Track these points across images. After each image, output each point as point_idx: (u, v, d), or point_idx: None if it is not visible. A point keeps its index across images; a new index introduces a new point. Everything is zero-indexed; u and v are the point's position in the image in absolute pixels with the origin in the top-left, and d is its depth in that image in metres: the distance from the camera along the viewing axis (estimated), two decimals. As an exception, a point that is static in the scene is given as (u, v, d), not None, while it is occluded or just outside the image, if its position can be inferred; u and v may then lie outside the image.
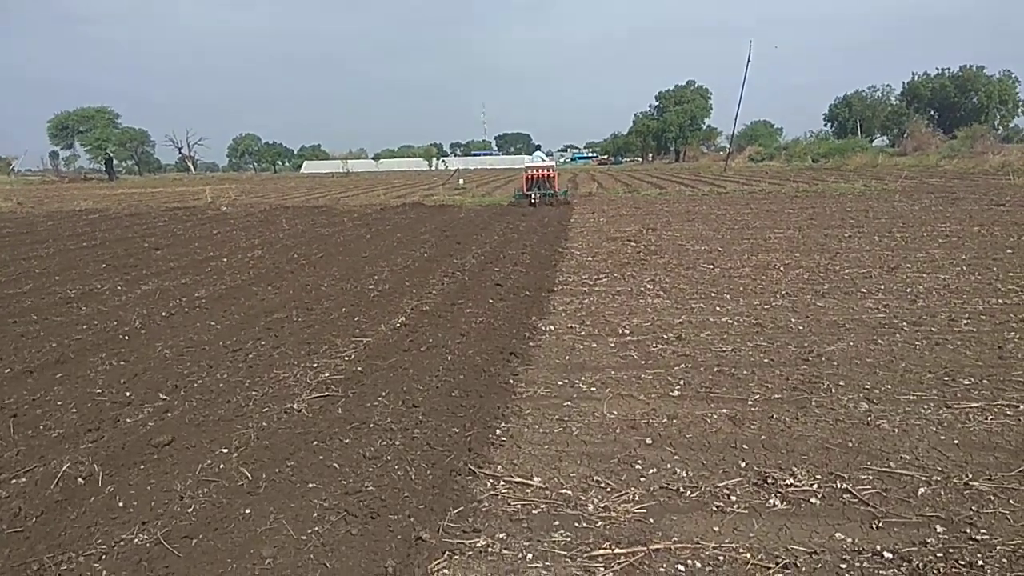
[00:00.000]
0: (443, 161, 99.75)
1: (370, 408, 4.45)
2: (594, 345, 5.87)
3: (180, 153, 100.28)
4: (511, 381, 4.95)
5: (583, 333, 6.26)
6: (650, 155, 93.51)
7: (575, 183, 33.31)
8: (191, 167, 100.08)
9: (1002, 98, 74.01)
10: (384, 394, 4.69)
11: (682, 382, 4.86)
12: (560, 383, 4.92)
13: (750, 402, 4.46)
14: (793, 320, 6.46)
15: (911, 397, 4.44)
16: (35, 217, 21.02)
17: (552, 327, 6.48)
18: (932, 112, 76.31)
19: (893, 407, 4.28)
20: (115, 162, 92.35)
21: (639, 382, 4.90)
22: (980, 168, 32.30)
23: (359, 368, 5.27)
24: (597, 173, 50.99)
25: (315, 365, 5.41)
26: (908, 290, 7.62)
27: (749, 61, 44.01)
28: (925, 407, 4.26)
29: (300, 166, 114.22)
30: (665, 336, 6.03)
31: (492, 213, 18.89)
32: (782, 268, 9.11)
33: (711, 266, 9.40)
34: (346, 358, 5.57)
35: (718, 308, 7.03)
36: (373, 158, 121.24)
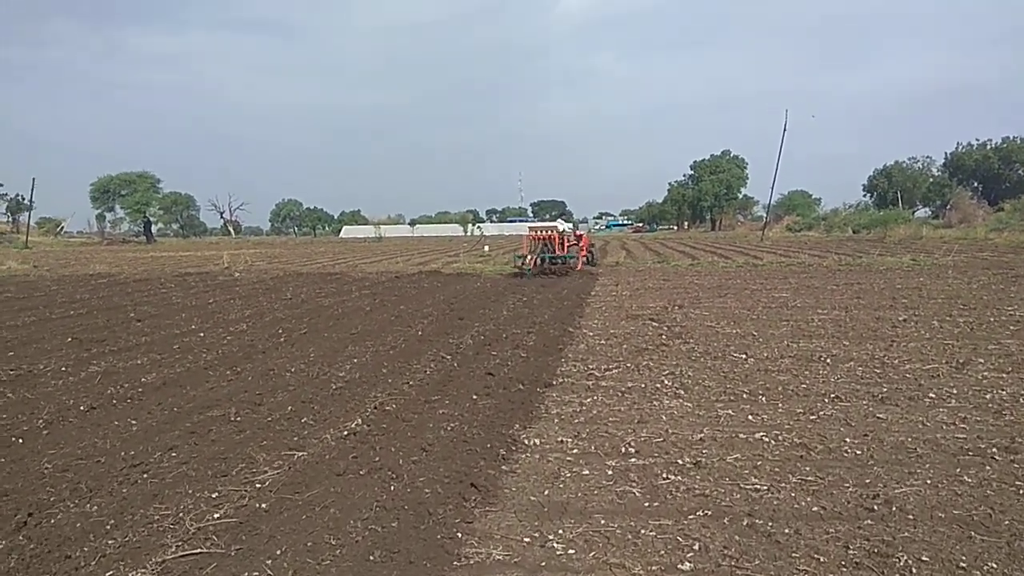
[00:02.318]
0: (478, 227, 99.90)
1: (247, 581, 3.14)
2: (585, 472, 4.50)
3: (222, 217, 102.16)
4: (459, 535, 3.60)
5: (575, 451, 4.90)
6: (685, 223, 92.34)
7: (605, 251, 32.15)
8: (231, 231, 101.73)
9: (1049, 169, 71.57)
10: (278, 553, 3.38)
11: (697, 545, 3.46)
12: (527, 540, 3.56)
13: (794, 589, 3.06)
14: (848, 439, 5.02)
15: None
16: (41, 281, 20.44)
17: (538, 440, 5.13)
18: (976, 184, 74.12)
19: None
20: (160, 226, 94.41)
21: (637, 543, 3.51)
22: (1034, 242, 30.39)
23: (264, 505, 3.97)
24: (629, 241, 49.83)
25: (214, 496, 4.14)
26: (988, 396, 6.13)
27: (785, 130, 43.02)
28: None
29: (340, 231, 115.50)
30: (680, 461, 4.64)
31: (509, 283, 17.72)
32: (829, 360, 7.67)
33: (743, 356, 7.99)
34: (258, 485, 4.28)
35: (751, 418, 5.62)
36: (409, 223, 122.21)
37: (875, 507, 3.85)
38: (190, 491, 4.22)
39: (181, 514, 3.88)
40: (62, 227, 79.18)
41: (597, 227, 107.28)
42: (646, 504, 3.98)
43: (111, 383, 7.18)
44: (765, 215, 57.88)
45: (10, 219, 79.02)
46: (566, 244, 20.13)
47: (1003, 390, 6.30)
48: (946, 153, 77.72)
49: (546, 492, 4.17)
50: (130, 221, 77.98)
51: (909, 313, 10.91)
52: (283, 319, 11.68)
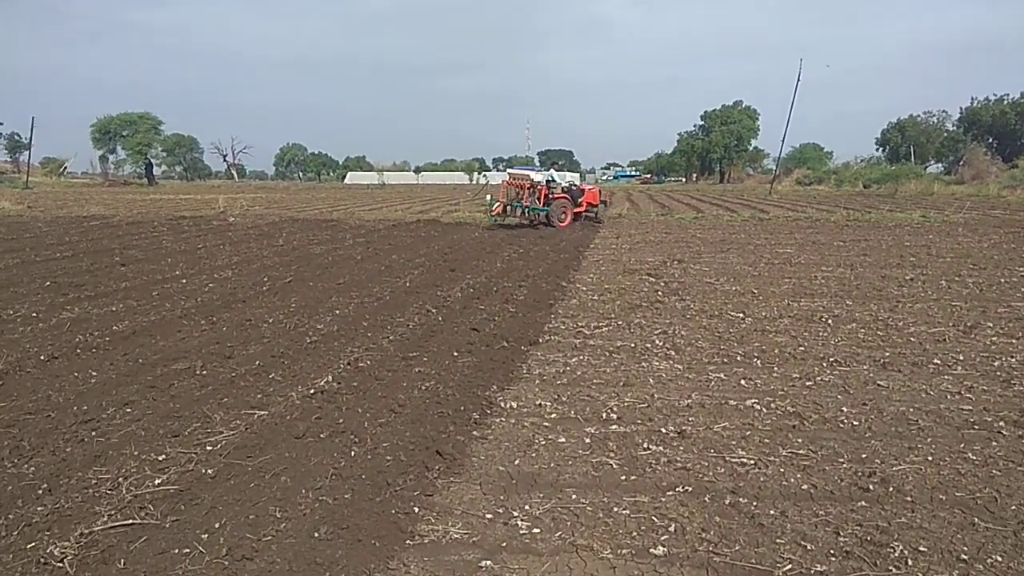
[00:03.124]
0: (484, 175, 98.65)
1: (175, 558, 2.87)
2: (562, 439, 4.21)
3: (225, 160, 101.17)
4: (416, 509, 3.32)
5: (553, 416, 4.61)
6: (694, 175, 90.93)
7: (609, 202, 31.54)
8: (235, 175, 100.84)
9: (1068, 126, 69.83)
10: (216, 527, 3.11)
11: (674, 527, 3.17)
12: (489, 516, 3.28)
13: (776, 581, 2.78)
14: (845, 409, 4.71)
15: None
16: (34, 223, 20.07)
17: (515, 404, 4.83)
18: (991, 140, 72.45)
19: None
20: (163, 168, 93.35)
21: (608, 522, 3.23)
22: (1048, 200, 29.70)
23: (211, 471, 3.69)
24: (635, 192, 48.98)
25: (160, 458, 3.86)
26: (996, 363, 5.80)
27: (799, 80, 41.94)
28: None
29: (344, 177, 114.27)
30: (663, 429, 4.33)
31: (508, 233, 17.29)
32: (830, 321, 7.32)
33: (741, 315, 7.65)
34: (209, 448, 4.00)
35: (743, 383, 5.30)
36: (414, 171, 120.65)
37: (870, 487, 3.54)
38: (136, 452, 3.94)
39: (121, 479, 3.61)
40: (65, 167, 78.33)
41: (605, 178, 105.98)
42: (623, 478, 3.69)
43: (80, 330, 6.90)
44: (775, 168, 56.89)
45: (11, 158, 78.23)
46: (543, 195, 18.51)
47: (1012, 357, 5.96)
48: (961, 108, 75.91)
49: (517, 462, 3.88)
50: (132, 163, 76.91)
51: (916, 272, 10.52)
52: (270, 267, 11.35)
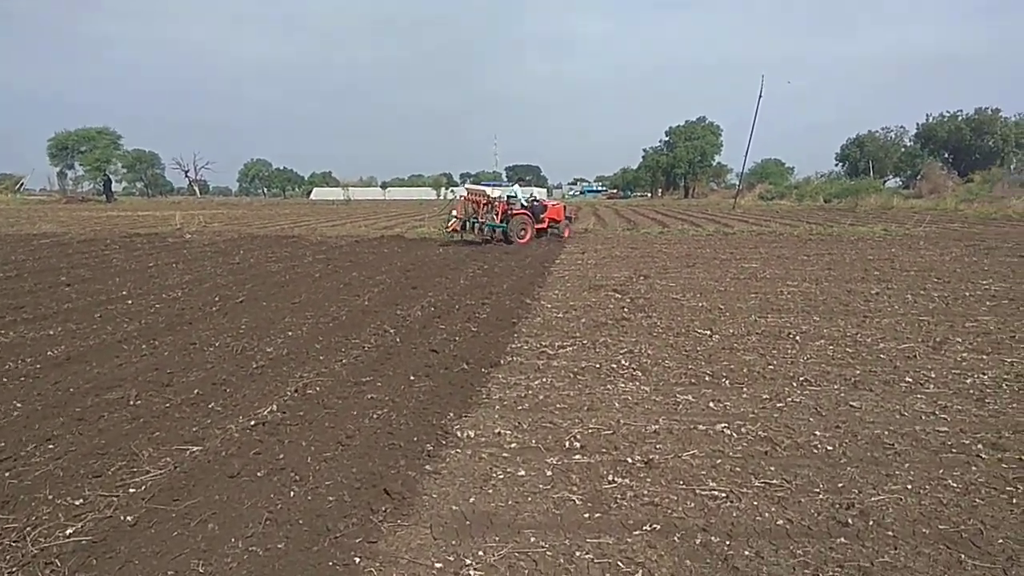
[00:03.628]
0: (451, 191, 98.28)
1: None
2: (521, 472, 3.92)
3: (187, 176, 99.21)
4: (357, 559, 2.99)
5: (513, 445, 4.31)
6: (659, 190, 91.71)
7: (575, 217, 31.45)
8: (197, 191, 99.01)
9: (1019, 141, 71.83)
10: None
11: (640, 572, 2.90)
12: (439, 565, 2.97)
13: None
14: (818, 432, 4.49)
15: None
16: (-21, 240, 19.25)
17: (472, 433, 4.53)
18: (946, 155, 74.30)
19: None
20: (124, 184, 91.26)
21: (571, 568, 2.94)
22: (1002, 213, 30.34)
23: (131, 517, 3.32)
24: (601, 207, 49.10)
25: (77, 503, 3.48)
26: (968, 380, 5.66)
27: (761, 96, 42.53)
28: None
29: (310, 192, 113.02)
30: (630, 459, 4.07)
31: (472, 249, 17.00)
32: (798, 338, 7.16)
33: (708, 332, 7.45)
34: (132, 490, 3.63)
35: (712, 405, 5.07)
36: (381, 186, 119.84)
37: (849, 520, 3.31)
38: (51, 496, 3.55)
39: (29, 528, 3.23)
40: (21, 184, 76.07)
41: (572, 193, 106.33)
42: (586, 515, 3.41)
43: (12, 356, 6.44)
44: (738, 183, 57.55)
45: (-37, 176, 75.72)
46: (502, 211, 18.16)
47: (984, 373, 5.83)
48: (918, 124, 77.83)
49: (472, 499, 3.58)
50: (89, 179, 75.03)
51: (882, 286, 10.47)
52: (223, 286, 10.90)
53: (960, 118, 74.02)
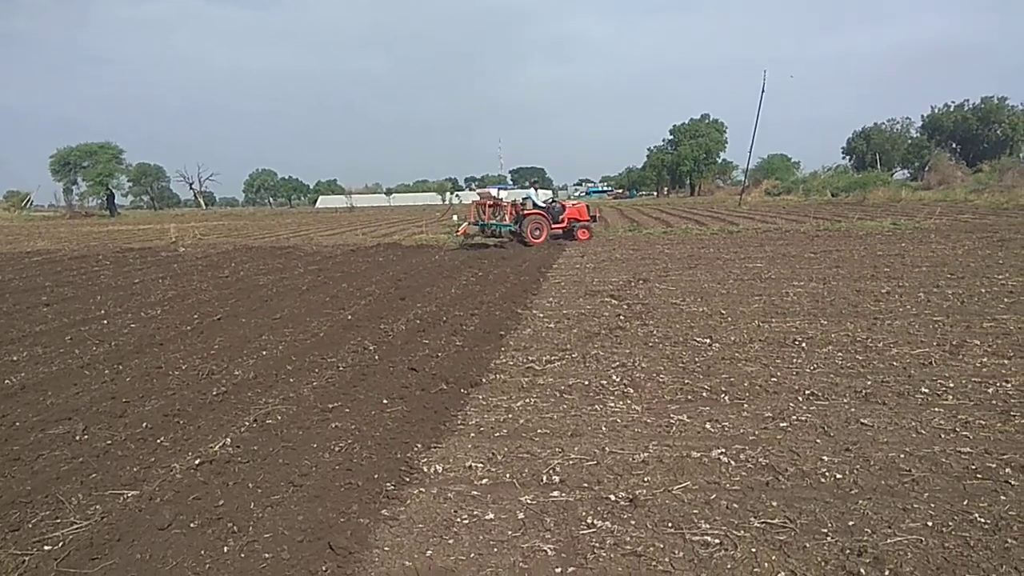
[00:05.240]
0: (456, 195, 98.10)
1: None
2: (489, 515, 3.47)
3: (191, 188, 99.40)
4: (282, 638, 2.55)
5: (484, 481, 3.87)
6: (665, 189, 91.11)
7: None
8: (202, 203, 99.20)
9: (1027, 129, 70.85)
10: None
11: (614, 649, 2.44)
12: (377, 643, 2.52)
13: None
14: (826, 457, 4.03)
15: None
16: (-31, 260, 18.97)
17: (440, 467, 4.08)
18: (954, 145, 73.41)
19: None
20: (130, 198, 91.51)
21: (530, 644, 2.49)
22: (1014, 203, 29.71)
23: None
24: (605, 208, 48.55)
25: (-24, 569, 3.05)
26: (990, 390, 5.17)
27: (763, 91, 42.01)
28: None
29: (316, 201, 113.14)
30: (613, 496, 3.61)
31: (469, 255, 16.58)
32: (805, 344, 6.68)
33: (708, 340, 6.99)
34: (48, 547, 3.21)
35: (709, 426, 4.61)
36: (386, 193, 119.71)
37: (862, 571, 2.85)
38: (-49, 560, 3.13)
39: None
40: (29, 200, 76.27)
41: (577, 193, 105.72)
42: (558, 571, 2.96)
43: (-36, 387, 6.05)
44: (744, 179, 56.92)
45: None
46: (510, 213, 18.42)
47: (1007, 381, 5.34)
48: (923, 115, 76.98)
49: (428, 553, 3.13)
50: (91, 194, 75.04)
51: (892, 284, 9.96)
52: (205, 301, 10.51)
53: (967, 108, 73.13)
